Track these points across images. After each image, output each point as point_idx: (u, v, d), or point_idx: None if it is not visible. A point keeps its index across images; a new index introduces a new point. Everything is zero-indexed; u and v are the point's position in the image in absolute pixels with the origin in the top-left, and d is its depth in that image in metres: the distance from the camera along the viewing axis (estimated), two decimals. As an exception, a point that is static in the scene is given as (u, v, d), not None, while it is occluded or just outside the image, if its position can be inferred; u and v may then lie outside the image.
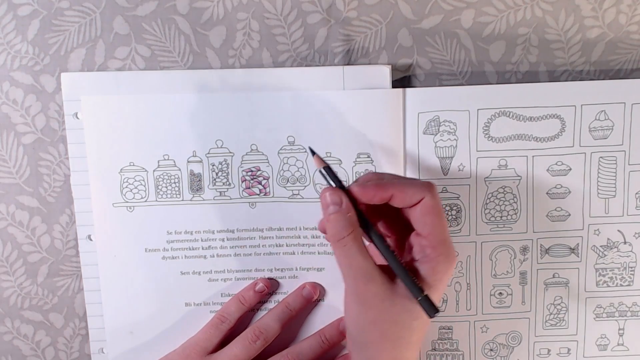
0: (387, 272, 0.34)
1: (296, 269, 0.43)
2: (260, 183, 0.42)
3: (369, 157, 0.41)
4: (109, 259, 0.42)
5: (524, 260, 0.43)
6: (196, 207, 0.42)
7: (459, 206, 0.43)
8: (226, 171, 0.42)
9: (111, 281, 0.42)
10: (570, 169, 0.42)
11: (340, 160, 0.42)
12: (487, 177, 0.42)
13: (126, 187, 0.42)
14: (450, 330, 0.44)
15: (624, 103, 0.41)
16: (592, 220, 0.43)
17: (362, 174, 0.41)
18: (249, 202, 0.42)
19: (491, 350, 0.44)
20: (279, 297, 0.43)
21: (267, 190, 0.42)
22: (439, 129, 0.42)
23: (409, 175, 0.42)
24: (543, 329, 0.44)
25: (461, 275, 0.43)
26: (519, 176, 0.42)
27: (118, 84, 0.41)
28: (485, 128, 0.42)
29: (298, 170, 0.42)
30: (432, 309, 0.34)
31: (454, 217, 0.43)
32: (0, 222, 0.43)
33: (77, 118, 0.41)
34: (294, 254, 0.42)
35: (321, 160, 0.36)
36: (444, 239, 0.34)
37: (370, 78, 0.41)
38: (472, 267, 0.43)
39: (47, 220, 0.43)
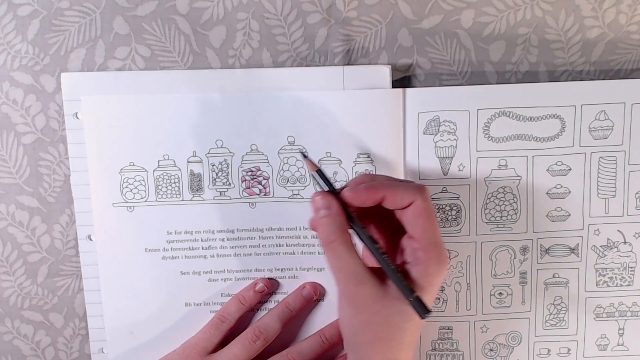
0: (379, 274, 0.35)
1: (296, 269, 0.43)
2: (260, 183, 0.42)
3: (369, 157, 0.41)
4: (109, 259, 0.42)
5: (524, 260, 0.43)
6: (196, 207, 0.42)
7: (459, 206, 0.43)
8: (226, 171, 0.42)
9: (111, 281, 0.42)
10: (570, 169, 0.42)
11: (340, 160, 0.42)
12: (487, 177, 0.42)
13: (126, 187, 0.42)
14: (450, 330, 0.44)
15: (624, 103, 0.41)
16: (592, 220, 0.43)
17: (362, 174, 0.41)
18: (249, 202, 0.42)
19: (491, 350, 0.44)
20: (279, 297, 0.43)
21: (267, 190, 0.42)
22: (439, 129, 0.42)
23: (409, 175, 0.42)
24: (543, 329, 0.44)
25: (461, 275, 0.43)
26: (519, 176, 0.42)
27: (118, 84, 0.41)
28: (485, 128, 0.42)
29: (298, 170, 0.42)
30: (423, 310, 0.34)
31: (454, 217, 0.43)
32: (0, 222, 0.43)
33: (77, 118, 0.41)
34: (294, 254, 0.42)
35: (313, 163, 0.37)
36: (436, 241, 0.34)
37: (370, 78, 0.41)
38: (472, 267, 0.43)
39: (47, 220, 0.43)
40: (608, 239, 0.43)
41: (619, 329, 0.44)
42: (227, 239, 0.42)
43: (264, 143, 0.42)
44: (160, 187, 0.42)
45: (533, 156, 0.42)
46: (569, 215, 0.43)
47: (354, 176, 0.41)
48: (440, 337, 0.44)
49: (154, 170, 0.42)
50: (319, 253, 0.42)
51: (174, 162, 0.42)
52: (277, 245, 0.42)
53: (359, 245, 0.35)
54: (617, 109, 0.41)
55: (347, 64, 0.42)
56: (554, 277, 0.44)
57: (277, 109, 0.41)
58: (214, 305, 0.43)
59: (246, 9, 0.41)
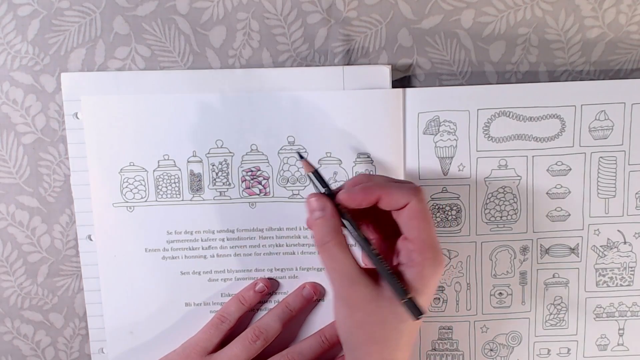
0: (374, 275, 0.35)
1: (296, 269, 0.43)
2: (260, 183, 0.42)
3: (369, 157, 0.41)
4: (109, 259, 0.42)
5: (524, 260, 0.43)
6: (196, 207, 0.42)
7: (459, 206, 0.43)
8: (226, 171, 0.42)
9: (111, 281, 0.42)
10: (570, 169, 0.42)
11: (340, 160, 0.42)
12: (487, 177, 0.42)
13: (126, 187, 0.42)
14: (450, 330, 0.44)
15: (624, 103, 0.41)
16: (592, 220, 0.43)
17: (360, 173, 0.41)
18: (249, 202, 0.42)
19: (491, 350, 0.44)
20: (279, 297, 0.43)
21: (267, 190, 0.42)
22: (439, 129, 0.42)
23: (409, 175, 0.42)
24: (543, 329, 0.44)
25: (461, 275, 0.43)
26: (519, 176, 0.42)
27: (118, 84, 0.41)
28: (485, 128, 0.42)
29: (298, 170, 0.42)
30: (417, 311, 0.34)
31: (454, 217, 0.43)
32: (0, 222, 0.43)
33: (77, 118, 0.41)
34: (294, 254, 0.42)
35: (309, 164, 0.37)
36: (431, 243, 0.34)
37: (370, 78, 0.41)
38: (472, 267, 0.43)
39: (47, 220, 0.43)
40: (608, 239, 0.43)
41: (619, 329, 0.44)
42: (227, 239, 0.42)
43: (264, 143, 0.42)
44: (160, 187, 0.42)
45: (533, 156, 0.42)
46: (569, 215, 0.43)
47: (354, 176, 0.41)
48: (440, 337, 0.44)
49: (154, 170, 0.42)
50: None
51: (174, 162, 0.42)
52: (277, 245, 0.42)
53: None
54: (617, 109, 0.41)
55: (347, 64, 0.42)
56: (554, 277, 0.44)
57: (277, 109, 0.41)
58: (214, 305, 0.43)
59: (246, 9, 0.41)
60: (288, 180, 0.42)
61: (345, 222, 0.35)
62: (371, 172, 0.41)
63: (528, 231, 0.43)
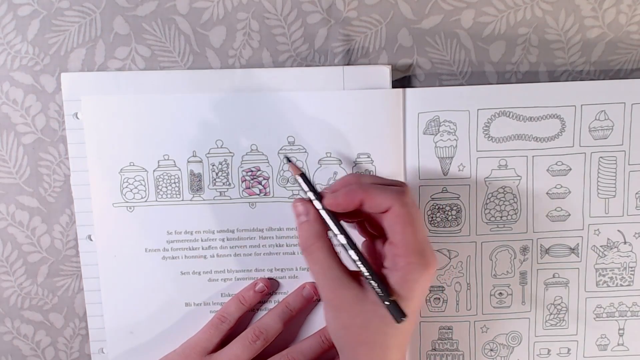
0: (359, 278, 0.35)
1: (296, 269, 0.43)
2: (260, 183, 0.42)
3: (369, 157, 0.41)
4: (109, 259, 0.42)
5: (524, 260, 0.43)
6: (196, 207, 0.42)
7: (459, 206, 0.43)
8: (226, 171, 0.42)
9: (111, 281, 0.42)
10: (570, 169, 0.42)
11: (340, 160, 0.42)
12: (487, 177, 0.42)
13: (126, 187, 0.42)
14: (450, 330, 0.44)
15: (624, 103, 0.41)
16: (592, 220, 0.43)
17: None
18: (249, 202, 0.42)
19: (491, 350, 0.44)
20: (279, 297, 0.43)
21: (267, 190, 0.42)
22: (439, 129, 0.42)
23: (409, 175, 0.42)
24: (543, 329, 0.44)
25: (461, 275, 0.43)
26: (519, 176, 0.42)
27: (118, 84, 0.41)
28: (485, 128, 0.42)
29: (301, 168, 0.42)
30: (399, 314, 0.33)
31: (454, 217, 0.43)
32: (0, 222, 0.43)
33: (77, 118, 0.41)
34: (294, 254, 0.42)
35: (296, 167, 0.37)
36: (416, 247, 0.34)
37: (370, 78, 0.41)
38: (472, 267, 0.43)
39: (47, 220, 0.43)
40: (608, 239, 0.43)
41: (619, 329, 0.44)
42: (227, 239, 0.42)
43: (264, 143, 0.42)
44: (160, 187, 0.42)
45: (533, 156, 0.42)
46: (569, 215, 0.43)
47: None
48: (440, 337, 0.44)
49: (154, 170, 0.42)
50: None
51: (174, 162, 0.42)
52: (277, 245, 0.42)
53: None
54: (617, 109, 0.41)
55: (347, 64, 0.42)
56: (554, 277, 0.44)
57: (277, 109, 0.41)
58: (214, 305, 0.43)
59: (246, 9, 0.41)
60: (288, 180, 0.42)
61: (330, 225, 0.36)
62: (371, 172, 0.41)
63: (528, 231, 0.43)
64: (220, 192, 0.42)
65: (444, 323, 0.44)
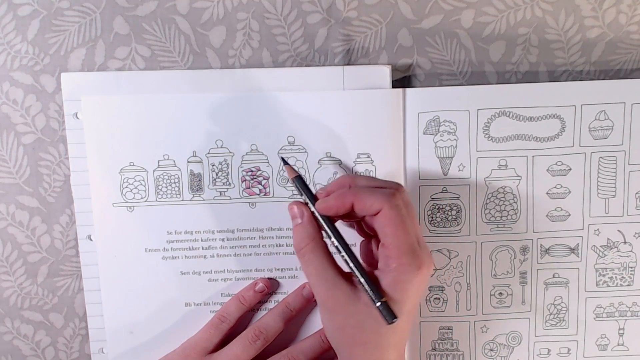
0: (353, 280, 0.35)
1: (296, 269, 0.43)
2: (260, 183, 0.42)
3: (369, 157, 0.41)
4: (109, 259, 0.42)
5: (524, 260, 0.43)
6: (196, 207, 0.42)
7: (459, 206, 0.43)
8: (226, 171, 0.42)
9: (111, 281, 0.42)
10: (570, 169, 0.42)
11: (340, 160, 0.42)
12: (487, 177, 0.42)
13: (126, 187, 0.42)
14: (450, 330, 0.44)
15: (624, 103, 0.41)
16: (592, 220, 0.43)
17: (362, 173, 0.41)
18: (249, 202, 0.42)
19: (491, 350, 0.44)
20: (279, 297, 0.43)
21: (267, 190, 0.42)
22: (439, 129, 0.42)
23: (409, 175, 0.42)
24: (543, 329, 0.44)
25: (461, 275, 0.43)
26: (519, 176, 0.42)
27: (118, 84, 0.41)
28: (485, 128, 0.42)
29: (298, 170, 0.42)
30: (390, 316, 0.33)
31: (454, 217, 0.43)
32: (0, 222, 0.43)
33: (77, 118, 0.41)
34: (294, 253, 0.42)
35: (292, 170, 0.38)
36: (407, 249, 0.34)
37: (370, 78, 0.41)
38: (472, 267, 0.43)
39: (47, 220, 0.43)
40: (608, 239, 0.43)
41: (619, 329, 0.44)
42: (227, 239, 0.42)
43: (264, 143, 0.42)
44: (160, 187, 0.42)
45: (533, 156, 0.42)
46: (569, 215, 0.43)
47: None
48: (440, 337, 0.44)
49: (154, 170, 0.42)
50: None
51: (174, 162, 0.42)
52: (277, 245, 0.42)
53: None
54: (617, 109, 0.41)
55: (347, 64, 0.42)
56: (554, 277, 0.44)
57: (277, 109, 0.41)
58: (214, 305, 0.43)
59: (246, 9, 0.41)
60: (288, 181, 0.42)
61: (324, 227, 0.36)
62: (371, 172, 0.41)
63: (528, 231, 0.43)
64: (220, 192, 0.42)
65: (444, 323, 0.44)
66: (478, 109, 0.41)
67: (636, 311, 0.44)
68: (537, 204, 0.43)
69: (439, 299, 0.44)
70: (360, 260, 0.36)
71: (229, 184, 0.42)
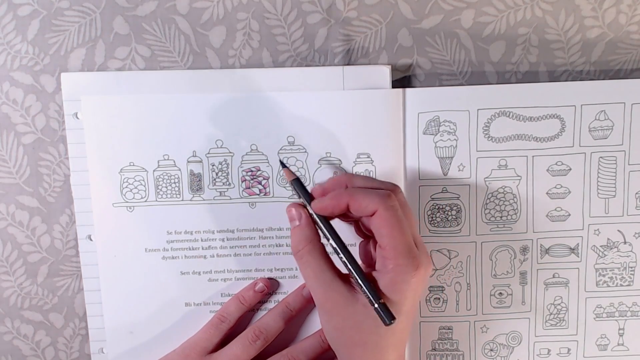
0: (351, 281, 0.35)
1: (296, 269, 0.43)
2: (260, 183, 0.42)
3: (369, 157, 0.41)
4: (109, 259, 0.42)
5: (524, 260, 0.43)
6: (196, 207, 0.42)
7: (459, 206, 0.43)
8: (226, 171, 0.42)
9: (111, 281, 0.42)
10: (570, 169, 0.42)
11: (340, 160, 0.42)
12: (487, 177, 0.42)
13: (126, 187, 0.42)
14: (450, 330, 0.44)
15: (624, 103, 0.41)
16: (592, 220, 0.43)
17: (362, 173, 0.41)
18: (249, 202, 0.42)
19: (491, 350, 0.44)
20: (279, 297, 0.43)
21: (267, 190, 0.42)
22: (439, 129, 0.42)
23: (409, 175, 0.42)
24: (543, 329, 0.44)
25: (461, 275, 0.43)
26: (519, 176, 0.42)
27: (118, 84, 0.41)
28: (485, 128, 0.42)
29: (298, 171, 0.42)
30: (388, 317, 0.33)
31: (454, 217, 0.43)
32: (0, 222, 0.43)
33: (77, 118, 0.41)
34: (293, 254, 0.42)
35: (290, 173, 0.38)
36: (403, 250, 0.34)
37: (370, 78, 0.41)
38: (472, 267, 0.43)
39: (47, 220, 0.43)
40: (608, 239, 0.43)
41: (619, 329, 0.44)
42: (227, 239, 0.42)
43: (264, 143, 0.42)
44: (160, 187, 0.42)
45: (533, 156, 0.42)
46: (569, 215, 0.43)
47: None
48: (440, 337, 0.44)
49: (154, 170, 0.42)
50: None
51: (174, 162, 0.42)
52: (277, 245, 0.42)
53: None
54: (617, 109, 0.41)
55: (347, 64, 0.42)
56: (554, 277, 0.44)
57: (277, 109, 0.41)
58: (214, 305, 0.43)
59: (246, 9, 0.41)
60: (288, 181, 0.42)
61: (322, 228, 0.36)
62: (371, 172, 0.41)
63: (528, 231, 0.43)
64: (220, 192, 0.42)
65: (444, 323, 0.44)
66: (478, 109, 0.41)
67: (636, 311, 0.44)
68: (537, 204, 0.43)
69: (439, 299, 0.44)
70: (359, 262, 0.37)
71: (229, 184, 0.42)
